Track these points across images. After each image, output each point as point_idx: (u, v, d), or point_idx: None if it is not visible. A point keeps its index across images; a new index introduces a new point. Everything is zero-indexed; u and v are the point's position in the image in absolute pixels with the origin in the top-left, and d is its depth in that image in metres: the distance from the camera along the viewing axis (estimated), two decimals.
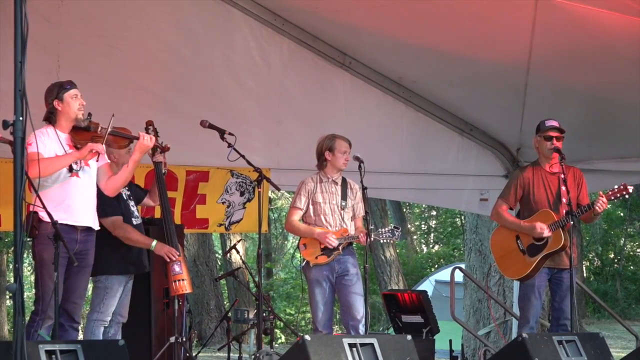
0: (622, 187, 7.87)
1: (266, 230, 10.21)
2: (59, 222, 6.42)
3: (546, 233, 7.95)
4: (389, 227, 8.10)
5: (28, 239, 6.68)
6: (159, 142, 7.54)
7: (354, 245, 8.25)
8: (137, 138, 7.24)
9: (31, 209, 6.56)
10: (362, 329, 7.91)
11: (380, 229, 8.15)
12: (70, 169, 6.78)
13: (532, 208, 8.15)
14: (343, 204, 8.14)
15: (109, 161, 7.27)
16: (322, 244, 8.05)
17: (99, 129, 6.94)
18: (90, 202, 6.94)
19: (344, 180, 8.24)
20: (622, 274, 25.80)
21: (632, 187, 7.89)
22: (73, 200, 6.72)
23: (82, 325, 7.73)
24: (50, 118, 6.86)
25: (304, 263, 8.23)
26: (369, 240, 7.74)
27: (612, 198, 7.95)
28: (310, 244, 8.13)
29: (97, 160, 6.97)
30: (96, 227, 7.01)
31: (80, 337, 8.21)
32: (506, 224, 8.29)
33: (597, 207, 7.83)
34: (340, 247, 8.02)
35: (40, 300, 6.69)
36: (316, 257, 8.07)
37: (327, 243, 8.00)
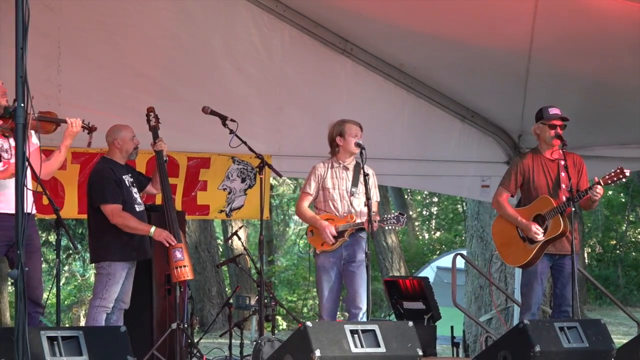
0: (618, 170, 7.84)
1: (268, 217, 10.22)
2: None
3: (540, 237, 7.96)
4: (395, 214, 8.05)
5: None
6: (85, 122, 7.40)
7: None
8: (64, 122, 7.20)
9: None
10: (362, 318, 7.89)
11: (385, 215, 8.11)
12: (0, 158, 6.75)
13: (532, 195, 8.15)
14: (353, 190, 8.08)
15: (38, 144, 7.17)
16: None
17: None
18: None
19: (357, 166, 8.20)
20: (624, 261, 25.81)
21: (628, 171, 7.86)
22: (9, 189, 6.53)
23: (83, 312, 7.77)
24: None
25: (313, 250, 8.23)
26: (370, 227, 7.70)
27: (610, 182, 7.92)
28: (317, 231, 8.10)
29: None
30: (34, 211, 6.90)
31: (82, 323, 8.24)
32: (505, 216, 8.29)
33: (591, 194, 7.82)
34: (346, 234, 7.99)
35: None
36: (322, 244, 8.04)
37: (323, 238, 7.99)
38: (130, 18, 9.10)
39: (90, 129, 7.55)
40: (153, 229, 7.71)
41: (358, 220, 7.95)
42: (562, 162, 7.97)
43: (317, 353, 5.94)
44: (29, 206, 6.56)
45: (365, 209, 7.84)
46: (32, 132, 7.04)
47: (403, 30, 9.31)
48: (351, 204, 8.06)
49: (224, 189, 9.95)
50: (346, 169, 8.14)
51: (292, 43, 9.71)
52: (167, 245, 7.69)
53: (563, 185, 7.99)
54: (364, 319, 7.85)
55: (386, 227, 8.24)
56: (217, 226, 22.56)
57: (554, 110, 8.16)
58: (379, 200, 8.35)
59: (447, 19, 8.89)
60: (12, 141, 6.90)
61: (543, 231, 7.96)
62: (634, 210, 26.93)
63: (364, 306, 7.93)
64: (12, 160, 6.80)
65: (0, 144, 6.85)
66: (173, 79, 9.38)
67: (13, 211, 6.48)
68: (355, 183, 8.06)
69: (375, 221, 7.80)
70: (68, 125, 7.17)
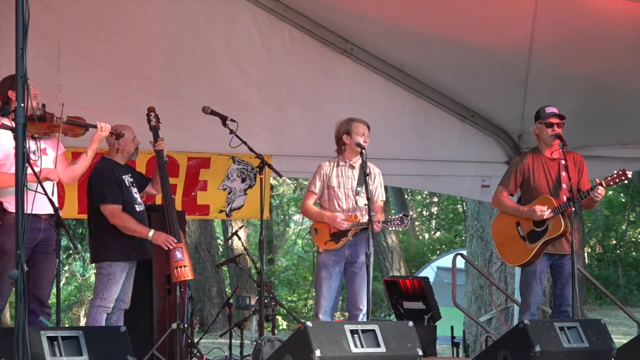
0: (620, 172, 7.85)
1: (268, 217, 10.22)
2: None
3: (547, 214, 7.94)
4: (399, 215, 8.04)
5: None
6: (114, 129, 7.56)
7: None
8: (94, 126, 7.35)
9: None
10: (362, 319, 7.88)
11: (389, 216, 8.09)
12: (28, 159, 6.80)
13: (533, 194, 8.15)
14: (358, 189, 8.05)
15: (64, 150, 7.34)
16: (332, 229, 8.01)
17: (55, 119, 7.02)
18: (48, 189, 6.97)
19: (363, 165, 8.05)
20: (624, 261, 25.81)
21: (630, 173, 7.87)
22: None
23: (84, 312, 7.79)
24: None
25: (316, 248, 8.22)
26: (370, 227, 7.67)
27: (612, 183, 7.93)
28: (321, 229, 8.06)
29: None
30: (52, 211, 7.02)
31: (82, 323, 8.25)
32: (506, 210, 8.29)
33: (593, 196, 7.82)
34: (349, 234, 7.98)
35: None
36: (325, 243, 8.03)
37: (337, 225, 7.95)
38: (130, 18, 9.09)
39: (118, 135, 7.67)
40: (151, 232, 7.71)
41: (362, 220, 7.93)
42: (563, 162, 7.97)
43: (317, 353, 5.94)
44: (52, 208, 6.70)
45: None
46: (62, 135, 7.16)
47: (403, 31, 9.31)
48: (356, 203, 8.03)
49: (224, 189, 9.96)
50: (352, 167, 8.11)
51: (293, 43, 9.71)
52: (166, 248, 7.70)
53: (564, 185, 7.99)
54: (364, 320, 7.84)
55: (390, 228, 8.22)
56: (217, 226, 22.56)
57: (550, 109, 8.18)
58: (384, 199, 8.34)
59: (447, 20, 8.89)
60: (40, 144, 7.04)
61: (548, 210, 7.95)
62: (634, 210, 26.93)
63: (364, 307, 7.93)
64: (39, 162, 6.94)
65: (28, 145, 6.88)
66: (173, 79, 9.38)
67: (38, 212, 6.65)
68: (361, 182, 7.99)
69: (379, 221, 7.80)
70: (97, 130, 7.31)
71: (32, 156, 6.84)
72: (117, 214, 7.63)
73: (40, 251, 6.91)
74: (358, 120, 8.11)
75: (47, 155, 7.05)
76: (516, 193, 8.41)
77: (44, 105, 7.09)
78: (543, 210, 7.95)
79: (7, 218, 6.68)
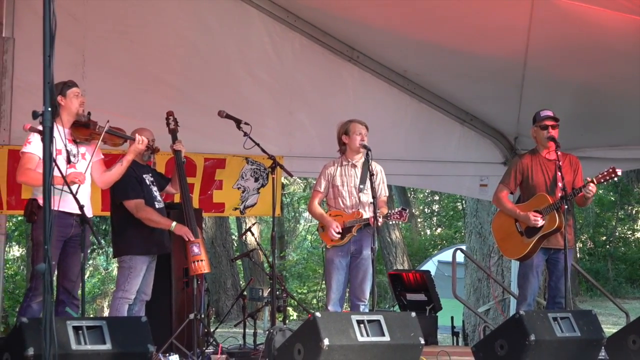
0: (610, 170, 7.84)
1: (279, 214, 10.21)
2: (58, 209, 6.50)
3: (540, 223, 7.93)
4: (398, 209, 8.04)
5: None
6: (150, 144, 7.65)
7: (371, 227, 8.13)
8: (132, 139, 7.45)
9: (32, 196, 6.96)
10: (364, 310, 7.88)
11: (389, 211, 8.08)
12: (69, 161, 6.87)
13: (531, 192, 8.13)
14: (361, 186, 8.06)
15: (102, 157, 7.43)
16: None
17: (97, 127, 7.10)
18: (85, 191, 7.05)
19: (365, 163, 8.07)
20: (613, 255, 25.77)
21: (620, 170, 7.85)
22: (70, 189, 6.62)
23: (107, 303, 7.79)
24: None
25: (323, 244, 8.24)
26: (376, 222, 7.68)
27: (602, 181, 7.91)
28: (327, 227, 8.09)
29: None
30: (89, 214, 7.06)
31: (106, 313, 8.24)
32: (505, 210, 8.27)
33: (585, 192, 7.81)
34: (354, 230, 7.97)
35: (34, 279, 6.94)
36: (331, 239, 8.04)
37: (330, 235, 7.98)
38: (150, 28, 9.12)
39: (153, 150, 7.73)
40: (174, 223, 7.71)
41: (365, 216, 7.94)
42: (558, 162, 7.95)
43: (326, 342, 5.93)
44: (89, 209, 6.97)
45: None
46: (101, 143, 7.24)
47: (406, 39, 9.30)
48: (359, 199, 8.03)
49: (238, 188, 9.95)
50: (354, 166, 8.11)
51: (302, 51, 9.72)
52: (187, 240, 7.69)
53: (559, 184, 7.97)
54: (366, 310, 7.85)
55: (390, 222, 8.21)
56: (232, 223, 22.57)
57: (545, 112, 8.17)
58: (387, 194, 8.34)
59: (447, 29, 8.88)
60: (81, 148, 7.15)
61: (541, 216, 7.94)
62: (622, 208, 26.90)
63: (366, 299, 7.94)
64: (78, 165, 7.03)
65: (70, 148, 7.00)
66: (191, 85, 9.39)
67: (71, 210, 6.69)
68: (363, 180, 8.03)
69: (380, 217, 7.78)
70: (135, 142, 7.42)
71: (72, 159, 6.95)
72: (141, 207, 7.64)
73: (71, 245, 6.97)
74: (356, 121, 8.13)
75: (85, 160, 7.13)
76: (516, 191, 8.39)
77: (89, 113, 7.15)
78: (537, 220, 7.94)
79: (42, 213, 6.69)
